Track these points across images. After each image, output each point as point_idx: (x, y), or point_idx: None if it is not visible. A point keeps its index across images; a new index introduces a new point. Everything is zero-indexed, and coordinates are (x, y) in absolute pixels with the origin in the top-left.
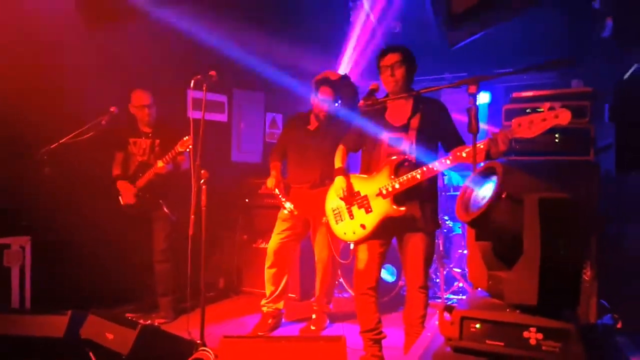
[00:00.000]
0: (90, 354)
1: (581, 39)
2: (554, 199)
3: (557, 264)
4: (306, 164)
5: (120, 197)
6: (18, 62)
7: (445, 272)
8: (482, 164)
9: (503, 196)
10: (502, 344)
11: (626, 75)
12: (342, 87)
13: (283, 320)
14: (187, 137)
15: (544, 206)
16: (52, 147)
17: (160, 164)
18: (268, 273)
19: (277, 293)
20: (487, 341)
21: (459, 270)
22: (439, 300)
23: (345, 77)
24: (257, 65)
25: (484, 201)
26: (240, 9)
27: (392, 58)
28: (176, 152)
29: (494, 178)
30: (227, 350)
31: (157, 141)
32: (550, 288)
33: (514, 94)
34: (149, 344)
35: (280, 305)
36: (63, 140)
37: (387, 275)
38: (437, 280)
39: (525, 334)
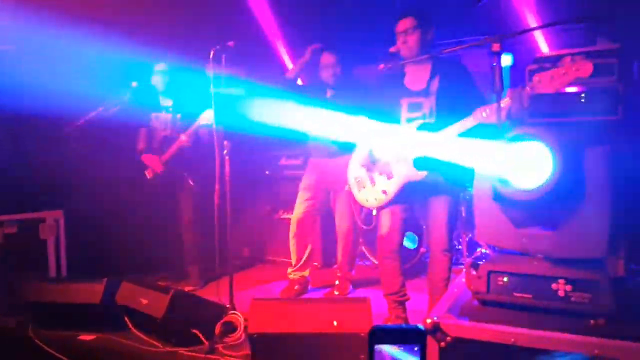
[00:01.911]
0: (126, 318)
1: None
2: (613, 152)
3: (623, 214)
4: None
5: (146, 171)
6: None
7: (467, 239)
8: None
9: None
10: (530, 296)
11: None
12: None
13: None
14: (208, 110)
15: (608, 159)
16: (78, 123)
17: (183, 137)
18: (292, 242)
19: (302, 261)
20: (514, 294)
21: None
22: (462, 267)
23: None
24: (273, 36)
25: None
26: None
27: (404, 24)
28: (198, 125)
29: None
30: (257, 312)
31: (179, 115)
32: (615, 237)
33: (538, 54)
34: (181, 308)
35: (306, 273)
36: (88, 116)
37: (407, 242)
38: (460, 247)
39: (554, 285)
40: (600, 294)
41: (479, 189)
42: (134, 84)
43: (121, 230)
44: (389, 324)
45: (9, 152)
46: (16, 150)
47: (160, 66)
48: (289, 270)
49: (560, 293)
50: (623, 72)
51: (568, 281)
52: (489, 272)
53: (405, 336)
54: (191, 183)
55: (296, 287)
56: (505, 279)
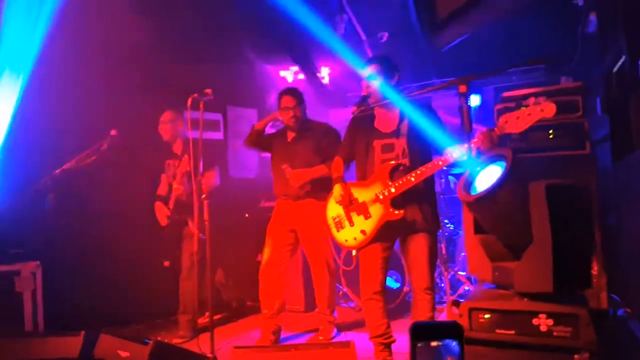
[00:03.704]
0: None
1: (567, 36)
2: (560, 185)
3: (568, 249)
4: (286, 177)
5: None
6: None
7: (450, 276)
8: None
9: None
10: (512, 332)
11: (615, 68)
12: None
13: (291, 333)
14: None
15: (551, 193)
16: (55, 173)
17: (174, 185)
18: (262, 290)
19: (274, 309)
20: (497, 330)
21: (463, 274)
22: (446, 305)
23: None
24: (249, 82)
25: (492, 182)
26: (229, 27)
27: (370, 70)
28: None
29: (502, 163)
30: None
31: (181, 161)
32: (564, 273)
33: (505, 94)
34: None
35: (279, 321)
36: (65, 166)
37: (390, 281)
38: (443, 284)
39: (535, 321)
40: (582, 328)
41: (467, 223)
42: (113, 132)
43: (101, 280)
44: None
45: None
46: None
47: (166, 116)
48: (261, 319)
49: (542, 328)
50: (587, 108)
51: (549, 315)
52: (470, 310)
53: (444, 331)
54: (195, 230)
55: (270, 337)
56: (486, 315)
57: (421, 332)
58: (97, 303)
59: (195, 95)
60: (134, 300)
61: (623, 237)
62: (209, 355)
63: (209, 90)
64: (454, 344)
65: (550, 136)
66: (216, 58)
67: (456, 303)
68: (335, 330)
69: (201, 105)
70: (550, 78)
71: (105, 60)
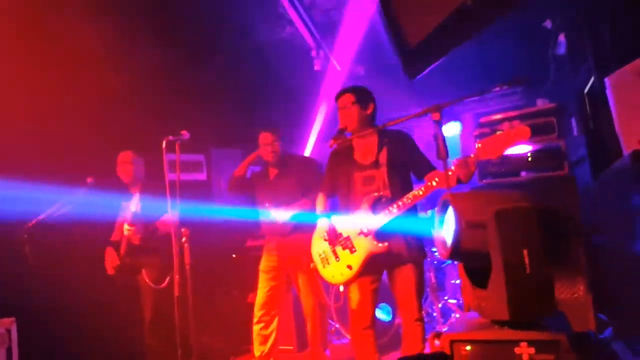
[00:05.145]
0: None
1: (538, 60)
2: (510, 209)
3: (522, 273)
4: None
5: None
6: None
7: (440, 305)
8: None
9: (463, 225)
10: None
11: (586, 89)
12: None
13: None
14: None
15: (500, 217)
16: (30, 225)
17: (126, 227)
18: (256, 330)
19: (266, 350)
20: None
21: (454, 301)
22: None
23: None
24: (233, 122)
25: (451, 236)
26: (209, 68)
27: (344, 99)
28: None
29: (451, 209)
30: None
31: (138, 204)
32: (520, 299)
33: (482, 119)
34: None
35: None
36: (40, 216)
37: (382, 314)
38: (434, 314)
39: (517, 349)
40: (563, 355)
41: None
42: (90, 179)
43: (79, 333)
44: None
45: None
46: None
47: (126, 156)
48: None
49: (525, 357)
50: (563, 129)
51: (530, 343)
52: (452, 342)
53: None
54: (147, 281)
55: None
56: (468, 347)
57: None
58: (76, 356)
59: (170, 137)
60: (115, 353)
61: (609, 255)
62: None
63: (184, 132)
64: None
65: (529, 159)
66: (200, 98)
67: (438, 335)
68: None
69: (177, 148)
70: (527, 101)
71: (80, 99)
